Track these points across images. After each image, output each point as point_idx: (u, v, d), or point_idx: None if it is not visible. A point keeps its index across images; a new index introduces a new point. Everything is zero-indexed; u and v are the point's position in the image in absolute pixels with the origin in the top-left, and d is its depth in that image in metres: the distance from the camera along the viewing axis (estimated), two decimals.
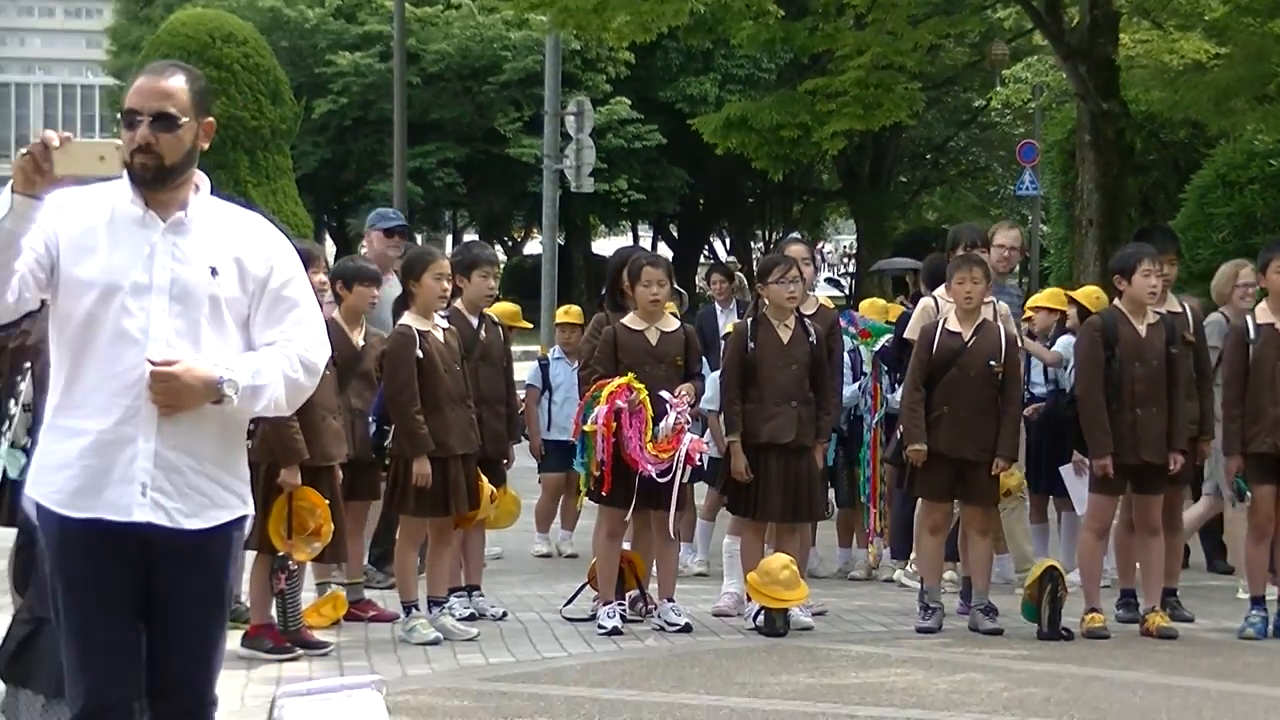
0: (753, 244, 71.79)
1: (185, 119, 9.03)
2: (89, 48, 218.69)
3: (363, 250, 23.15)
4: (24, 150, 8.61)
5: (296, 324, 9.17)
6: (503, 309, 23.67)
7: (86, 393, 9.05)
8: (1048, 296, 23.55)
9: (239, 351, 9.04)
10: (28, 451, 15.04)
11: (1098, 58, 40.65)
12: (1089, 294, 21.86)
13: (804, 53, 49.07)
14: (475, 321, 19.35)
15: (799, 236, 41.65)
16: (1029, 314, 22.30)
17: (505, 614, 19.55)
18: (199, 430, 9.01)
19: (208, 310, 9.02)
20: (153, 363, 8.76)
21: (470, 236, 68.81)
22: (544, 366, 23.54)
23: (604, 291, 21.03)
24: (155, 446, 8.92)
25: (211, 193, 9.40)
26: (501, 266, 21.73)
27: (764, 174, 58.82)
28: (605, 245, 73.67)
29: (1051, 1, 41.03)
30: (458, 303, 19.14)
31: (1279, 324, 19.28)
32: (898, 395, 21.52)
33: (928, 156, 67.65)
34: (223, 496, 9.14)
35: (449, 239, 66.51)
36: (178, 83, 9.16)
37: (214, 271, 9.01)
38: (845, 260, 73.12)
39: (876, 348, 21.86)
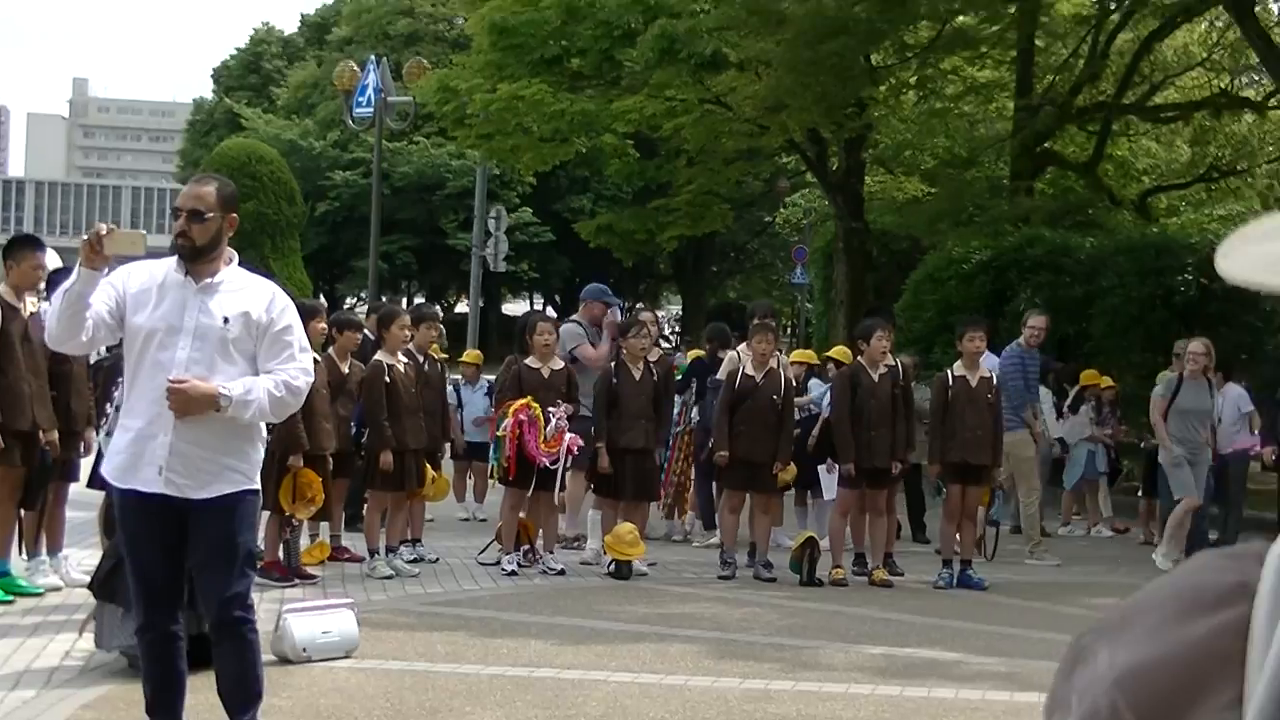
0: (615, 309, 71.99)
1: (211, 214, 9.62)
2: (164, 163, 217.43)
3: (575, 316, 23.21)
4: (85, 237, 9.26)
5: (288, 359, 9.63)
6: (471, 355, 24.68)
7: (134, 402, 9.66)
8: (799, 354, 23.69)
9: (242, 376, 9.51)
10: None
11: (850, 192, 41.11)
12: (842, 352, 22.10)
13: (652, 181, 49.11)
14: (422, 359, 19.75)
15: (645, 307, 41.87)
16: (793, 363, 22.47)
17: (438, 559, 19.70)
18: (206, 429, 9.46)
19: (219, 348, 9.53)
20: (170, 381, 9.31)
21: (419, 300, 68.56)
22: (456, 390, 23.64)
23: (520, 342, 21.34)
24: (171, 440, 9.42)
25: (240, 264, 9.96)
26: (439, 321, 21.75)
27: (621, 262, 59.18)
28: (512, 308, 73.81)
29: (820, 153, 41.35)
30: (411, 345, 19.54)
31: (969, 377, 19.82)
32: (694, 413, 22.03)
33: (732, 254, 67.66)
34: (226, 475, 9.57)
35: (404, 300, 66.42)
36: (208, 189, 9.78)
37: (226, 320, 9.54)
38: (674, 323, 72.59)
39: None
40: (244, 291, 9.71)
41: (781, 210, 58.65)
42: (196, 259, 9.66)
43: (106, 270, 9.58)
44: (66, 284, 9.47)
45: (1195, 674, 1.33)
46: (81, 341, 9.76)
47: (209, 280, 9.66)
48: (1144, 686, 1.35)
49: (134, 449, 9.60)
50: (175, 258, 9.73)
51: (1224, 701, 1.31)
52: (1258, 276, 1.37)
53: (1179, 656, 1.35)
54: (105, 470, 9.93)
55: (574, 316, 22.85)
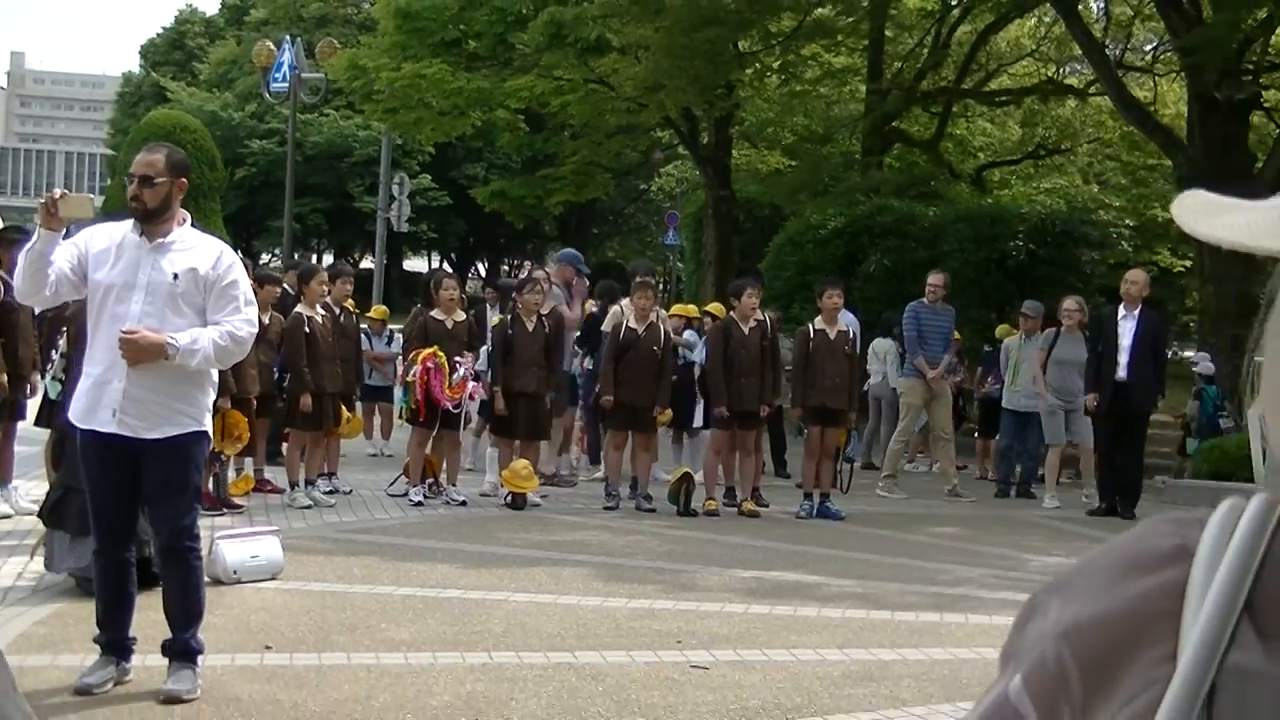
0: (501, 269, 71.81)
1: (161, 179, 9.64)
2: (94, 130, 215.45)
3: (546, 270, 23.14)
4: (41, 200, 9.40)
5: (233, 311, 9.61)
6: (378, 310, 24.55)
7: (94, 351, 9.67)
8: (680, 308, 23.68)
9: (191, 327, 9.49)
10: (62, 382, 15.49)
11: (719, 164, 41.17)
12: (717, 308, 22.12)
13: (540, 152, 49.08)
14: (338, 311, 19.71)
15: (537, 266, 41.97)
16: (672, 316, 22.46)
17: (351, 491, 19.66)
18: (156, 375, 9.46)
19: (169, 302, 9.53)
20: (122, 332, 9.34)
21: (329, 257, 68.28)
22: (367, 339, 23.58)
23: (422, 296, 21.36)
24: (125, 385, 9.46)
25: (192, 225, 9.94)
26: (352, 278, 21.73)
27: (512, 225, 59.08)
28: (412, 265, 73.68)
29: (692, 128, 41.37)
30: (328, 299, 19.52)
31: (828, 331, 19.89)
32: (588, 362, 22.03)
33: (611, 218, 67.75)
34: (175, 418, 9.58)
35: (314, 257, 66.29)
36: (158, 156, 9.80)
37: (175, 276, 9.54)
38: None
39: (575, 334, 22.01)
40: (194, 250, 9.71)
41: (656, 179, 58.80)
42: (149, 220, 9.69)
43: (64, 232, 9.60)
44: (29, 245, 9.59)
45: (1134, 629, 1.34)
46: (46, 296, 9.78)
47: (161, 240, 9.69)
48: (1087, 639, 1.36)
49: (93, 394, 9.65)
50: (132, 220, 9.74)
51: (1160, 655, 1.32)
52: (1260, 241, 1.39)
53: (1120, 612, 1.35)
54: (70, 413, 9.89)
55: (554, 277, 22.77)
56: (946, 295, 23.33)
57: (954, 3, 40.14)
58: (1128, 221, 39.48)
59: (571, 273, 22.43)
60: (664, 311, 20.53)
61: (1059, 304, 22.77)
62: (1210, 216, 1.45)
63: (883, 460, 25.14)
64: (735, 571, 15.40)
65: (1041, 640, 1.40)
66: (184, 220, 9.87)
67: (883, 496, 22.28)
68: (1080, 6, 36.76)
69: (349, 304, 21.14)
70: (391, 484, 19.96)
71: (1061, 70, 44.06)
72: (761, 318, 20.00)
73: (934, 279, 23.15)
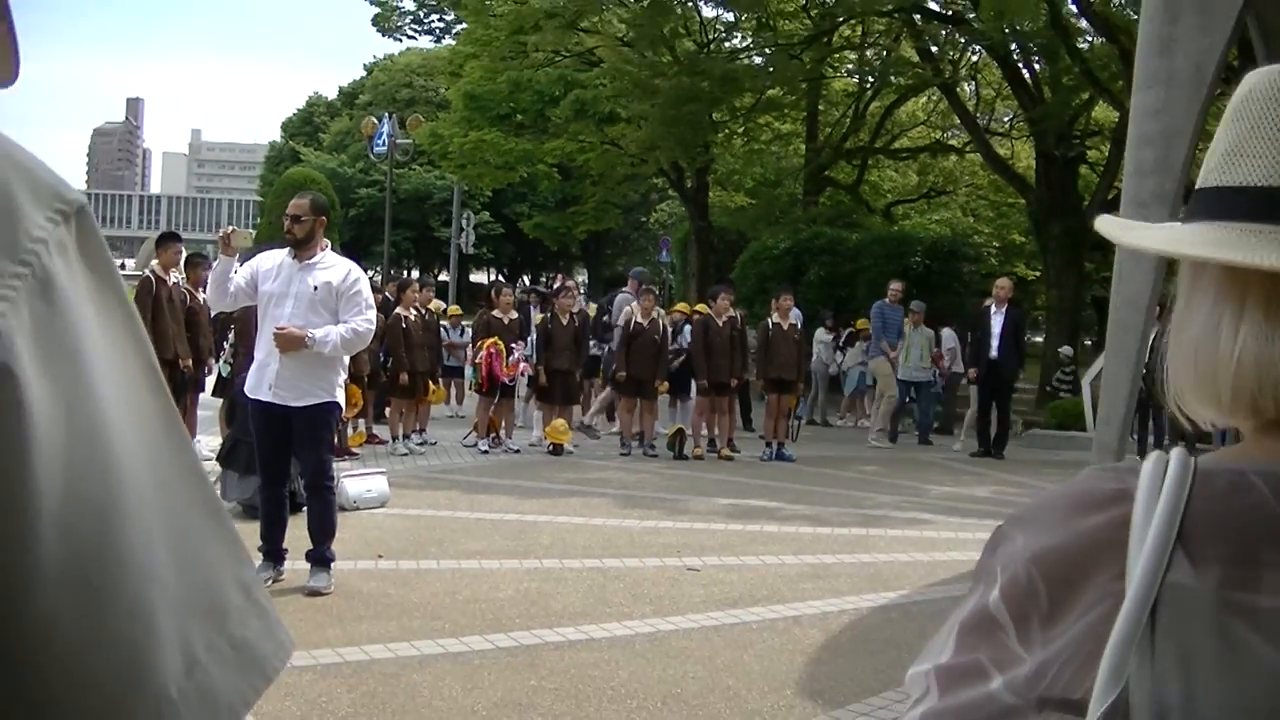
0: (541, 280, 71.96)
1: (305, 218, 9.73)
2: (249, 184, 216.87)
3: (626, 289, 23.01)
4: (216, 236, 9.92)
5: (356, 313, 9.65)
6: (453, 310, 24.43)
7: (260, 341, 9.79)
8: (681, 306, 23.58)
9: (325, 325, 9.49)
10: (230, 364, 15.50)
11: (699, 202, 41.05)
12: (701, 307, 22.03)
13: (569, 194, 49.02)
14: (425, 311, 19.75)
15: (566, 277, 42.15)
16: (671, 313, 22.37)
17: (436, 442, 19.57)
18: (300, 359, 9.55)
19: (311, 306, 9.62)
20: (276, 328, 9.46)
21: (416, 274, 68.17)
22: (445, 331, 23.42)
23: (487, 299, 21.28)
24: (278, 367, 9.56)
25: (333, 249, 9.99)
26: (434, 287, 21.85)
27: (548, 247, 59.18)
28: (477, 277, 73.65)
29: (679, 176, 41.28)
30: (417, 302, 19.51)
31: (781, 324, 19.85)
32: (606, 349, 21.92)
33: (620, 242, 67.79)
34: (314, 391, 9.64)
35: (404, 273, 66.26)
36: (304, 201, 9.89)
37: (315, 288, 9.59)
38: (584, 288, 72.62)
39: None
40: (331, 269, 9.78)
41: (653, 213, 58.84)
42: (298, 247, 9.81)
43: (237, 257, 9.79)
44: (214, 267, 9.92)
45: (1090, 554, 1.32)
46: (228, 303, 10.02)
47: (307, 261, 9.79)
48: (1052, 563, 1.34)
49: (258, 373, 9.76)
50: (288, 247, 9.87)
51: (1112, 574, 1.30)
52: (1171, 248, 1.39)
53: (1077, 541, 1.34)
54: (245, 386, 9.99)
55: (624, 289, 22.76)
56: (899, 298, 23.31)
57: (868, 85, 40.18)
58: (994, 243, 39.70)
59: (638, 283, 22.50)
60: (663, 310, 20.44)
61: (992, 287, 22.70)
62: (1130, 232, 1.45)
63: (822, 418, 25.23)
64: (717, 499, 15.38)
65: (1013, 563, 1.37)
66: (325, 246, 9.96)
67: (876, 446, 22.18)
68: (958, 89, 36.86)
69: (432, 306, 21.20)
70: (465, 437, 19.84)
71: (945, 134, 43.96)
72: (733, 314, 19.96)
73: (895, 285, 23.18)
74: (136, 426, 1.08)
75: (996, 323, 21.29)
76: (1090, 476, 1.41)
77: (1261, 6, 12.32)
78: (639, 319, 19.63)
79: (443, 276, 58.23)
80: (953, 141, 43.03)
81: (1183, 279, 1.41)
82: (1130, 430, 13.59)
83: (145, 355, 1.14)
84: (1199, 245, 1.35)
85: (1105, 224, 1.49)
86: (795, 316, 20.67)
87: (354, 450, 17.89)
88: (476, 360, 19.36)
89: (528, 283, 68.18)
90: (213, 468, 13.21)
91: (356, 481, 13.90)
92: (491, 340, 19.10)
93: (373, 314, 9.93)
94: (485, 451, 18.96)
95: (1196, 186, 1.42)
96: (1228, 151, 1.37)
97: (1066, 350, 27.35)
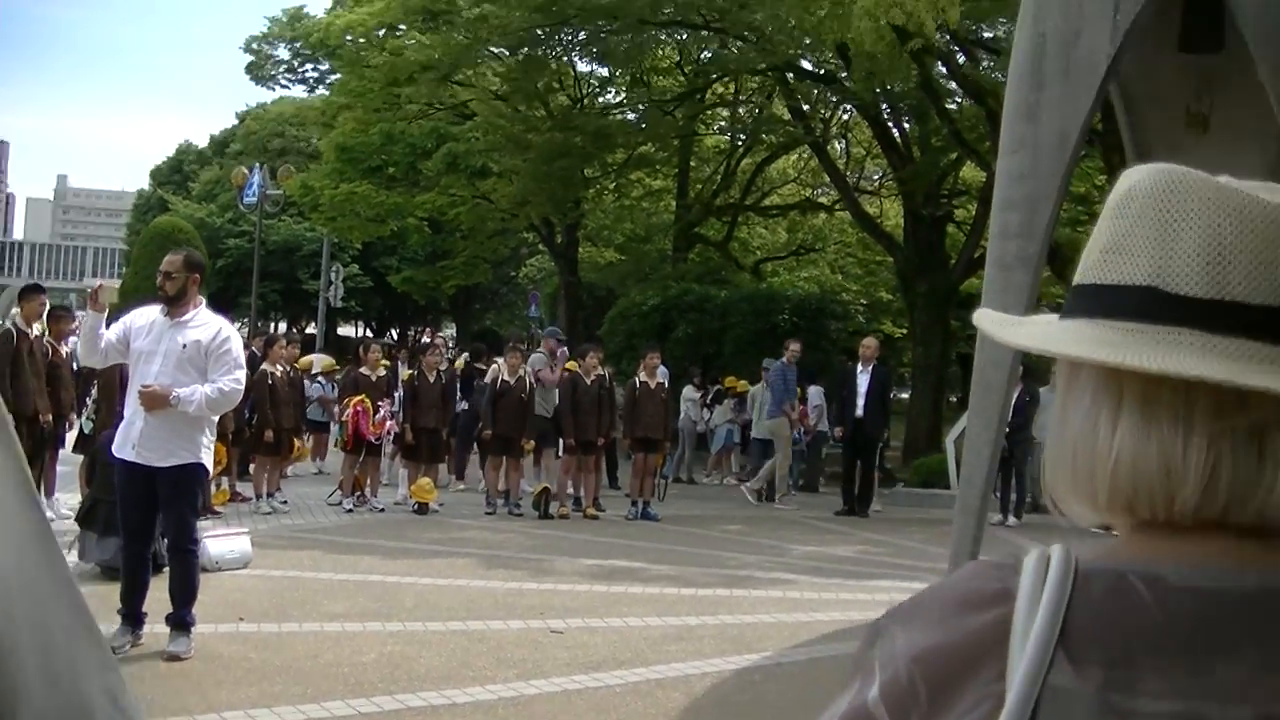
0: (409, 334, 71.40)
1: (178, 274, 9.72)
2: (115, 232, 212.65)
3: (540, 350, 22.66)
4: (88, 289, 9.82)
5: (225, 372, 9.63)
6: (325, 362, 24.24)
7: (129, 399, 9.78)
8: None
9: (193, 384, 9.47)
10: (93, 420, 15.37)
11: (569, 257, 41.18)
12: (573, 365, 21.96)
13: (439, 248, 48.79)
14: (289, 368, 19.68)
15: (435, 333, 41.99)
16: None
17: (285, 501, 19.55)
18: (165, 419, 9.52)
19: (179, 364, 9.60)
20: (141, 386, 9.50)
21: (283, 326, 67.34)
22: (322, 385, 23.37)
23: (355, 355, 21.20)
24: (143, 426, 9.54)
25: (208, 305, 9.99)
26: (299, 342, 21.75)
27: (417, 301, 59.01)
28: (344, 330, 72.87)
29: (550, 231, 41.39)
30: (283, 359, 19.41)
31: (649, 382, 19.97)
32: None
33: (489, 296, 67.57)
34: (179, 452, 9.60)
35: (272, 326, 65.35)
36: (177, 258, 9.90)
37: (184, 346, 9.59)
38: (450, 342, 71.67)
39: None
40: (202, 327, 9.77)
41: (523, 267, 58.87)
42: (170, 304, 9.79)
43: (105, 313, 9.83)
44: (84, 322, 9.98)
45: (971, 654, 1.34)
46: (98, 359, 10.03)
47: (179, 319, 9.77)
48: (933, 663, 1.35)
49: (124, 431, 9.77)
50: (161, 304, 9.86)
51: (993, 675, 1.32)
52: (1049, 346, 1.40)
53: (959, 641, 1.35)
54: (111, 445, 9.99)
55: (540, 350, 22.59)
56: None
57: (739, 143, 40.62)
58: (862, 300, 40.10)
59: (554, 343, 22.49)
60: (529, 367, 20.45)
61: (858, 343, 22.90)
62: (1010, 328, 1.46)
63: (688, 475, 25.35)
64: (582, 560, 15.40)
65: (894, 661, 1.38)
66: (199, 304, 9.90)
67: (780, 508, 22.03)
68: (828, 147, 37.31)
69: (303, 363, 21.14)
70: (330, 495, 19.71)
71: (815, 191, 44.46)
72: (601, 372, 20.03)
73: (794, 346, 23.16)
74: (6, 546, 1.11)
75: (862, 381, 21.59)
76: (972, 574, 1.43)
77: (1124, 74, 12.66)
78: (505, 376, 19.64)
79: (310, 329, 57.82)
80: (822, 199, 43.51)
81: (1060, 376, 1.42)
82: (993, 489, 13.81)
83: (14, 466, 1.17)
84: (1077, 344, 1.36)
85: (984, 320, 1.51)
86: (662, 374, 20.80)
87: (217, 509, 17.71)
88: (343, 418, 19.32)
89: (395, 337, 67.75)
90: (71, 528, 13.08)
91: (219, 542, 13.78)
92: (359, 398, 19.06)
93: (241, 374, 9.91)
94: (350, 510, 18.84)
95: (1075, 282, 1.43)
96: (1107, 249, 1.39)
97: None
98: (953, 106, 30.77)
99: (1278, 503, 1.32)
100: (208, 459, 9.85)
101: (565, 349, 22.13)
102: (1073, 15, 11.30)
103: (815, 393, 24.13)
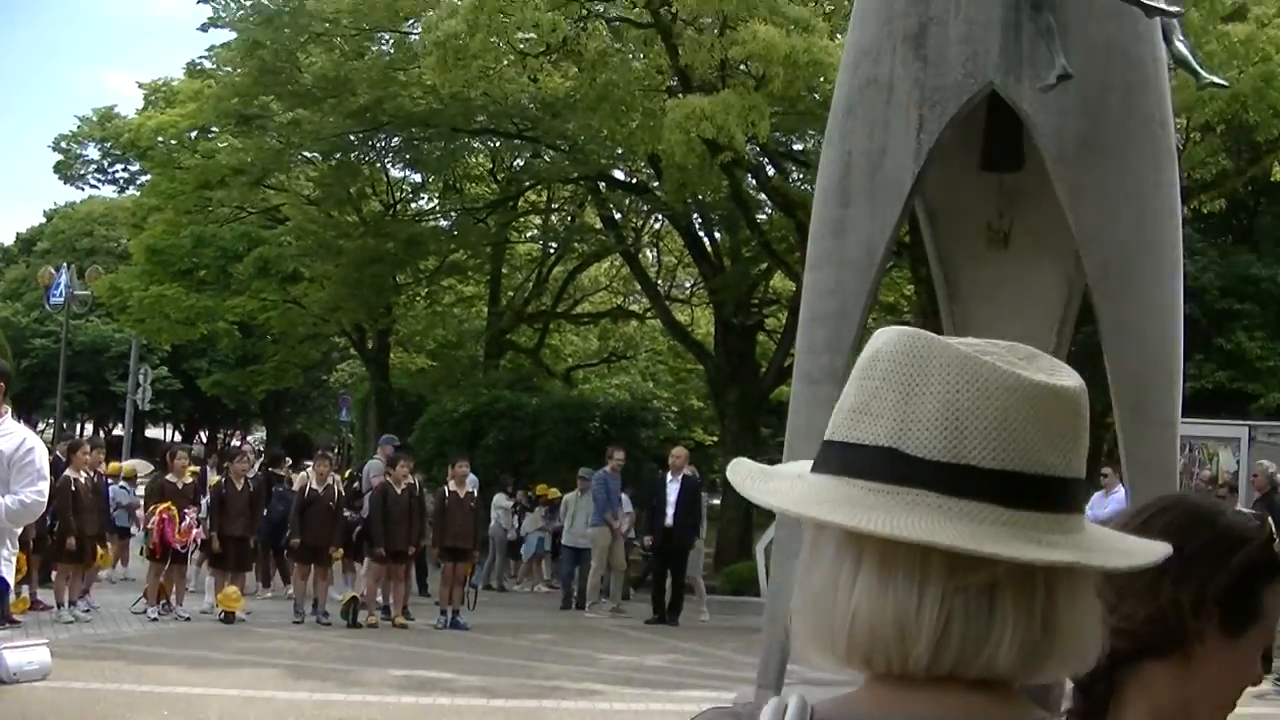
0: (218, 437, 70.19)
1: None
2: None
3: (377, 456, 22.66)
4: None
5: (29, 483, 9.36)
6: (129, 469, 23.75)
7: None
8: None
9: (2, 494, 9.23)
10: None
11: (380, 362, 41.01)
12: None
13: (249, 352, 48.11)
14: (92, 473, 19.28)
15: (242, 439, 41.37)
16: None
17: (100, 609, 19.12)
18: None
19: None
20: None
21: (89, 428, 65.84)
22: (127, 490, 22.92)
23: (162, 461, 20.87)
24: None
25: (12, 415, 9.75)
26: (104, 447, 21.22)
27: (226, 405, 58.20)
28: (153, 433, 71.25)
29: (361, 337, 41.19)
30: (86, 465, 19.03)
31: (458, 491, 19.95)
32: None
33: (300, 399, 66.58)
34: None
35: (78, 428, 64.17)
36: None
37: None
38: (259, 445, 70.40)
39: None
40: (6, 437, 9.43)
41: (334, 372, 58.33)
42: None
43: None
44: None
45: None
46: None
47: None
48: None
49: None
50: None
51: None
52: (794, 508, 1.43)
53: None
54: None
55: (375, 456, 22.32)
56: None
57: (551, 251, 40.91)
58: (674, 408, 40.40)
59: (389, 449, 22.25)
60: (338, 475, 20.25)
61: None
62: (760, 482, 1.50)
63: (498, 583, 25.21)
64: (390, 670, 15.25)
65: None
66: (4, 413, 9.59)
67: (590, 617, 21.93)
68: (640, 256, 37.77)
69: (111, 469, 20.75)
70: (134, 604, 19.29)
71: (627, 299, 44.83)
72: (411, 481, 19.93)
73: (618, 454, 23.18)
74: None
75: (672, 490, 21.74)
76: (710, 718, 1.48)
77: (928, 191, 13.02)
78: (314, 485, 19.46)
79: (118, 431, 56.65)
80: (634, 307, 43.87)
81: (806, 530, 1.45)
82: None
83: None
84: (818, 506, 1.40)
85: (736, 473, 1.53)
86: (471, 483, 20.76)
87: (15, 618, 17.22)
88: (149, 525, 18.97)
89: (204, 440, 66.56)
90: None
91: (16, 653, 13.45)
92: (165, 505, 18.73)
93: (44, 485, 9.66)
94: (155, 619, 18.46)
95: (825, 437, 1.48)
96: (854, 408, 1.43)
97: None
98: (763, 218, 31.33)
99: (1005, 657, 1.37)
100: (8, 571, 9.60)
101: (329, 455, 21.90)
102: (878, 134, 11.65)
103: (624, 501, 24.16)
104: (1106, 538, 1.47)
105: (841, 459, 1.43)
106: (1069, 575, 1.40)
